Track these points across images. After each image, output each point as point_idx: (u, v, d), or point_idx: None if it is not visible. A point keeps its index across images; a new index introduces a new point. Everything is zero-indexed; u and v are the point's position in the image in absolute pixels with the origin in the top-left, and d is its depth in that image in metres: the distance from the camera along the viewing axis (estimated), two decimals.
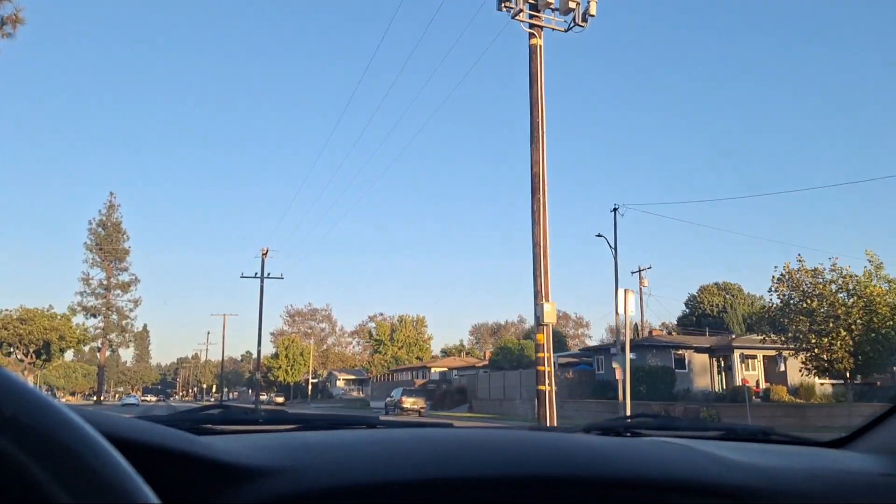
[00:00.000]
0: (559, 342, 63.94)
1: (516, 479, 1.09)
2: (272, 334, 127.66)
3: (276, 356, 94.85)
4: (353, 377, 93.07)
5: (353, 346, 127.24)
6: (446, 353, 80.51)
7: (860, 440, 1.66)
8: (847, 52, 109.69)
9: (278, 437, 1.25)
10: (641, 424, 1.70)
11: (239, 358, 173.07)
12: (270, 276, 45.76)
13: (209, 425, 1.39)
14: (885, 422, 1.64)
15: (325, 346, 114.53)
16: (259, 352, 47.36)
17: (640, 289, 52.27)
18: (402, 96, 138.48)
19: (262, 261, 45.53)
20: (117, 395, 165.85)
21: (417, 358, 78.20)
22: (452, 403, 48.97)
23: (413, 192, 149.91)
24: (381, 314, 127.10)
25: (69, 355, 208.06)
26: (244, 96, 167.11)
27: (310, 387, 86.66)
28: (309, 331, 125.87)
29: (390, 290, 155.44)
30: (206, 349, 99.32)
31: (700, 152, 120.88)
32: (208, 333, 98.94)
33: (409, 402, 44.63)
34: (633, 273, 53.05)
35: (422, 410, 44.06)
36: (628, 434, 1.60)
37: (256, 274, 45.04)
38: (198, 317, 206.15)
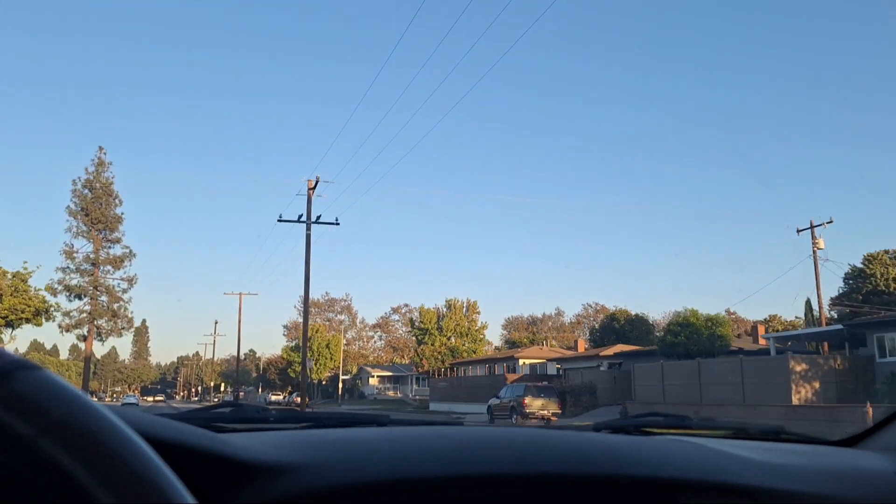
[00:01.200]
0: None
1: (531, 477, 1.08)
2: (285, 327, 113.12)
3: (297, 349, 79.37)
4: (387, 373, 77.77)
5: (375, 341, 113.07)
6: (514, 343, 64.94)
7: (871, 439, 1.64)
8: None
9: (292, 434, 1.24)
10: (652, 423, 1.65)
11: (242, 357, 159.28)
12: (320, 220, 30.46)
13: (220, 423, 1.37)
14: (895, 422, 1.63)
15: (344, 341, 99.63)
16: (305, 324, 32.18)
17: (815, 252, 37.42)
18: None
19: (309, 199, 30.33)
20: (115, 395, 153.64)
21: (471, 350, 62.79)
22: (584, 406, 33.54)
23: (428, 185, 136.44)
24: (406, 305, 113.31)
25: (64, 353, 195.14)
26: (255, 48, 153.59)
27: (341, 384, 71.34)
28: (326, 323, 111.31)
29: (411, 283, 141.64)
30: (214, 341, 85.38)
31: None
32: (216, 324, 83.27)
33: (535, 404, 30.10)
34: (799, 231, 38.05)
35: (553, 418, 29.09)
36: (639, 433, 1.56)
37: (301, 217, 29.81)
38: (199, 315, 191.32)
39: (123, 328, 61.54)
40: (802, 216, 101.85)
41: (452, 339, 64.59)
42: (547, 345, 61.97)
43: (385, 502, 0.98)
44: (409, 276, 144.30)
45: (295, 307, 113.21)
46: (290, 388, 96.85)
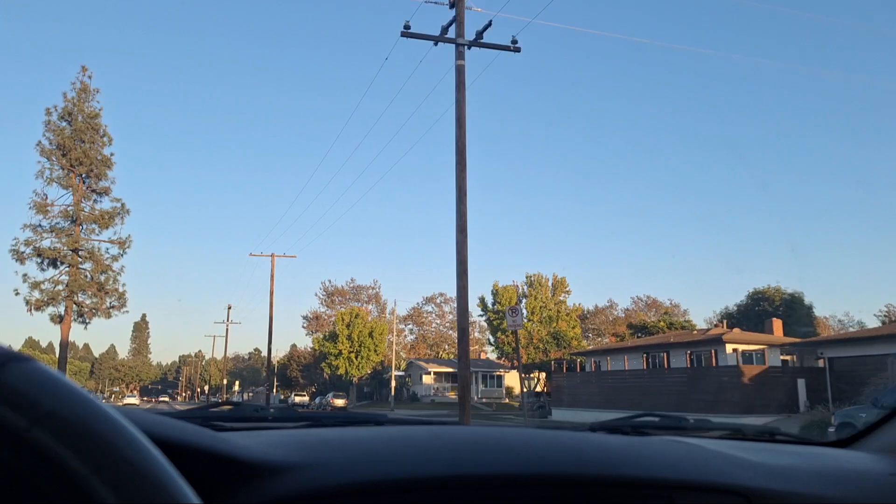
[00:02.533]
0: None
1: (528, 477, 1.08)
2: (305, 318, 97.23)
3: (332, 338, 63.25)
4: (446, 369, 61.54)
5: (406, 336, 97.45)
6: (674, 325, 47.74)
7: (865, 441, 1.64)
8: None
9: (291, 433, 1.24)
10: (647, 424, 1.64)
11: (246, 356, 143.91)
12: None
13: (219, 422, 1.35)
14: (890, 423, 1.61)
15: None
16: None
17: None
18: None
19: None
20: (113, 396, 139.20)
21: (561, 339, 46.64)
22: None
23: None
24: (442, 294, 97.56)
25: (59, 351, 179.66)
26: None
27: (393, 383, 55.14)
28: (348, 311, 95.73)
29: (435, 272, 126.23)
30: (227, 329, 69.99)
31: None
32: (228, 309, 67.32)
33: None
34: None
35: None
36: (635, 433, 1.54)
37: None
38: (198, 314, 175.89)
39: (113, 306, 45.33)
40: None
41: (542, 325, 48.59)
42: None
43: (383, 502, 0.97)
44: (440, 264, 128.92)
45: (316, 295, 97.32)
46: (313, 387, 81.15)
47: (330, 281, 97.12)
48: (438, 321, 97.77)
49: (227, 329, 67.77)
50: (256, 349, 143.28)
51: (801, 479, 1.29)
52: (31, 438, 0.57)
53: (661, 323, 47.04)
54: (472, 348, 75.08)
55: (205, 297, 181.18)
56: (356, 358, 60.95)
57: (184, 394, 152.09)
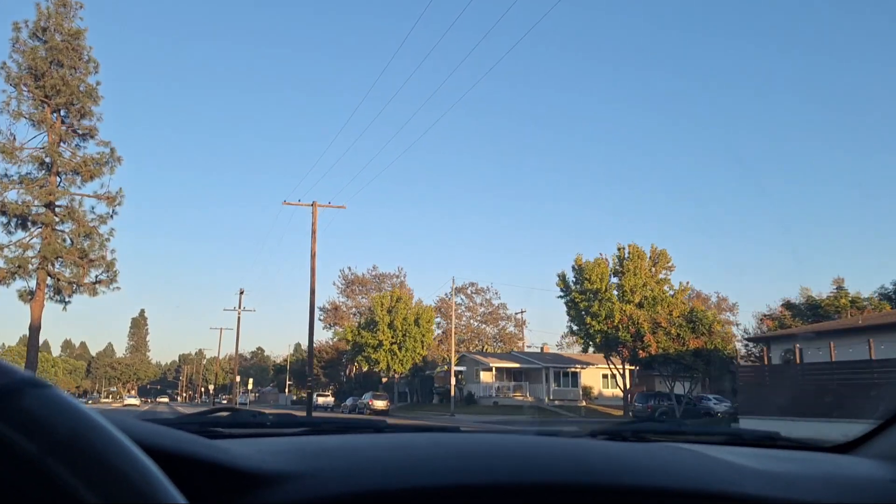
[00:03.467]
0: None
1: (528, 485, 1.06)
2: (322, 310, 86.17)
3: (370, 326, 52.14)
4: (511, 364, 50.46)
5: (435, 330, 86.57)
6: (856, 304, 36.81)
7: (866, 446, 1.62)
8: None
9: (290, 441, 1.22)
10: (647, 429, 1.64)
11: (248, 356, 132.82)
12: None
13: (217, 429, 1.34)
14: (891, 428, 1.59)
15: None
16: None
17: None
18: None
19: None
20: (111, 397, 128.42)
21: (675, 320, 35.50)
22: None
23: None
24: (472, 283, 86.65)
25: (56, 349, 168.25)
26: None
27: (453, 380, 44.08)
28: (369, 303, 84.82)
29: (461, 257, 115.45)
30: (238, 318, 59.54)
31: None
32: (241, 294, 56.18)
33: None
34: None
35: None
36: (635, 439, 1.54)
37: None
38: (200, 311, 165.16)
39: (99, 280, 34.36)
40: None
41: (644, 309, 37.57)
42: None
43: None
44: (468, 253, 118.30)
45: (334, 284, 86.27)
46: (334, 386, 70.26)
47: (350, 268, 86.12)
48: (468, 314, 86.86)
49: (238, 318, 56.84)
50: (259, 348, 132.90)
51: (801, 485, 1.26)
52: (43, 466, 0.56)
53: (843, 301, 36.30)
54: (517, 343, 64.25)
55: (206, 292, 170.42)
56: (399, 350, 49.88)
57: (184, 394, 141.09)
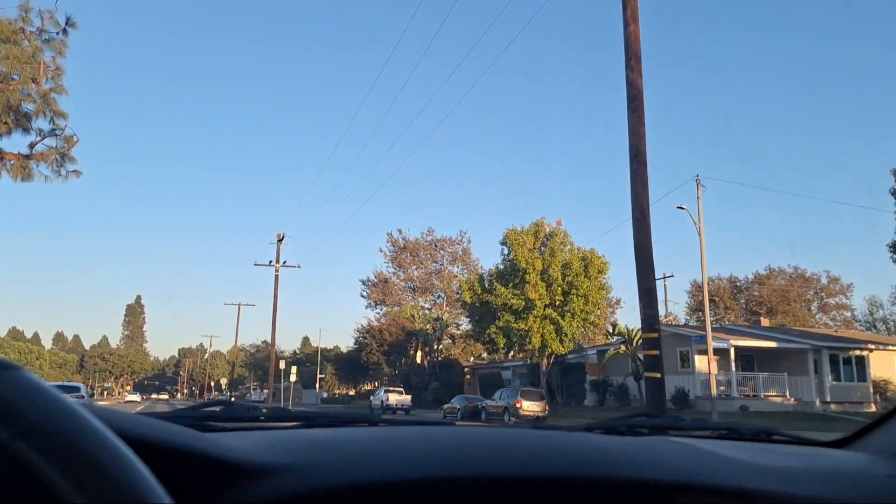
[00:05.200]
0: None
1: (524, 479, 1.05)
2: (364, 283, 66.57)
3: (506, 274, 31.69)
4: (758, 343, 30.44)
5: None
6: None
7: (862, 441, 1.60)
8: None
9: (282, 434, 1.20)
10: (643, 423, 1.60)
11: (252, 349, 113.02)
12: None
13: (211, 422, 1.31)
14: (887, 423, 1.57)
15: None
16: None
17: None
18: None
19: None
20: (105, 393, 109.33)
21: None
22: None
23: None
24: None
25: (47, 342, 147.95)
26: None
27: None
28: (424, 275, 65.35)
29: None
30: (277, 276, 40.76)
31: None
32: (280, 240, 35.76)
33: None
34: None
35: None
36: (631, 433, 1.50)
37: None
38: (199, 304, 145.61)
39: (61, 159, 14.52)
40: None
41: None
42: None
43: None
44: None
45: (381, 251, 66.37)
46: (392, 373, 50.71)
47: (400, 231, 66.22)
48: None
49: (276, 277, 37.16)
50: (264, 341, 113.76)
51: (798, 480, 1.25)
52: (14, 450, 0.55)
53: None
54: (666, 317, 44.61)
55: (205, 285, 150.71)
56: (563, 318, 29.67)
57: (184, 391, 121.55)
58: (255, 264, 38.87)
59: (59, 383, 37.08)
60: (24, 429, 0.55)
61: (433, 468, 1.01)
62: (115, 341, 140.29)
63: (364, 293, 65.78)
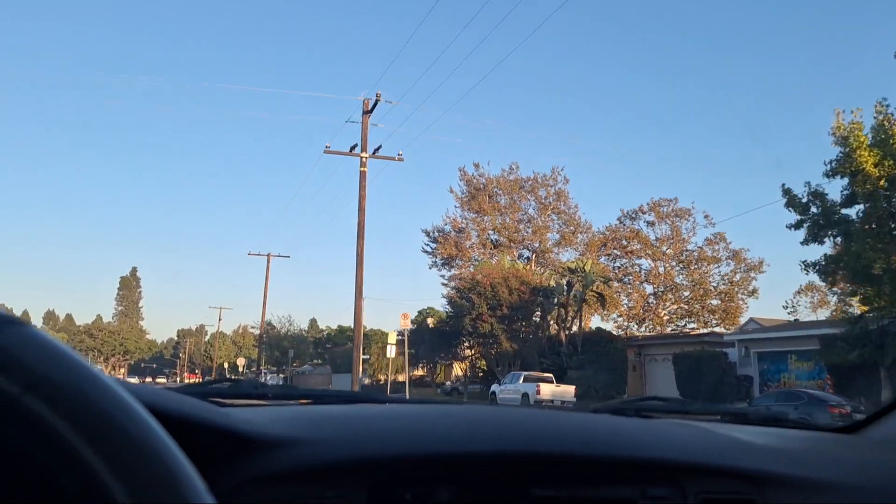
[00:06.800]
0: None
1: (536, 456, 1.04)
2: (428, 234, 49.58)
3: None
4: None
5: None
6: None
7: (872, 428, 1.57)
8: None
9: (291, 409, 1.20)
10: (651, 407, 1.62)
11: (255, 329, 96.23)
12: None
13: (218, 398, 1.29)
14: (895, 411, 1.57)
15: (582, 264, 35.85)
16: None
17: None
18: None
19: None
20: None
21: None
22: None
23: None
24: (660, 200, 50.65)
25: (37, 320, 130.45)
26: None
27: None
28: (511, 224, 48.52)
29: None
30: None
31: None
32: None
33: None
34: None
35: None
36: (639, 416, 1.49)
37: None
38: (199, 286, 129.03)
39: None
40: None
41: None
42: None
43: (389, 478, 0.94)
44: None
45: (451, 192, 49.07)
46: (473, 355, 34.00)
47: (477, 166, 49.07)
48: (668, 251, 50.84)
49: (362, 176, 19.44)
50: (269, 324, 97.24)
51: (807, 463, 1.24)
52: (23, 405, 0.54)
53: None
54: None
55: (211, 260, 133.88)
56: None
57: (185, 374, 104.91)
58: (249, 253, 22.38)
59: None
60: (34, 382, 0.54)
61: (441, 444, 1.00)
62: (108, 319, 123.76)
63: (429, 247, 48.76)
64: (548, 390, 23.78)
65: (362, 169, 21.90)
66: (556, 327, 32.86)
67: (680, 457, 1.11)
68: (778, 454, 1.23)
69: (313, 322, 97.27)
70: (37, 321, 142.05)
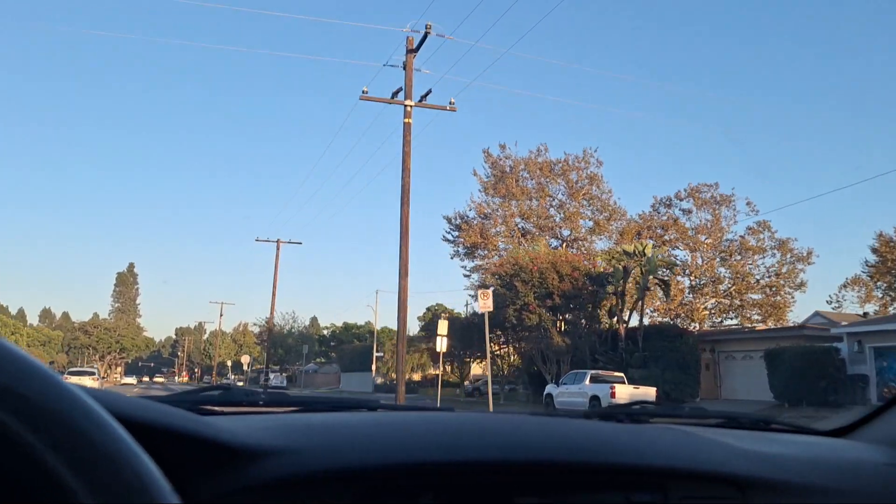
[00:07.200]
0: None
1: (519, 464, 1.04)
2: (450, 222, 45.69)
3: None
4: None
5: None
6: None
7: (861, 430, 1.57)
8: None
9: (279, 418, 1.19)
10: (641, 411, 1.59)
11: (255, 328, 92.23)
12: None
13: (209, 406, 1.30)
14: (887, 412, 1.56)
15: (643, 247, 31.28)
16: None
17: None
18: None
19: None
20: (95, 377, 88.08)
21: None
22: None
23: None
24: (701, 185, 46.39)
25: (33, 319, 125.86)
26: None
27: None
28: (544, 220, 44.58)
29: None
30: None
31: None
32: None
33: None
34: None
35: None
36: (629, 421, 1.48)
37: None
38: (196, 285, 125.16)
39: None
40: None
41: None
42: None
43: (373, 487, 0.94)
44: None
45: (475, 174, 45.24)
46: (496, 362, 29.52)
47: (503, 147, 44.98)
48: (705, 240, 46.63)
49: (407, 127, 15.11)
50: (288, 312, 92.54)
51: (795, 467, 1.23)
52: None
53: None
54: None
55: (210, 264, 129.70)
56: None
57: (184, 374, 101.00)
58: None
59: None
60: None
61: (429, 452, 1.00)
62: (105, 317, 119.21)
63: (451, 235, 44.57)
64: (625, 392, 19.68)
65: (406, 120, 17.82)
66: (608, 319, 28.67)
67: (664, 462, 1.11)
68: (763, 458, 1.22)
69: (314, 320, 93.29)
70: (33, 320, 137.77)
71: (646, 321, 29.40)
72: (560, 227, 43.71)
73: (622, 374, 22.01)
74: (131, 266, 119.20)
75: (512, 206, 43.28)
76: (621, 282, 26.54)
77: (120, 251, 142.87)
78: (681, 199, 46.57)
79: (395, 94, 18.14)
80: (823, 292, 61.16)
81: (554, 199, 44.03)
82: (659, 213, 47.19)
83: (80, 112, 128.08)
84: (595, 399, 19.93)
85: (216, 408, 1.27)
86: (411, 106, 17.89)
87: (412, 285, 19.75)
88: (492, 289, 20.05)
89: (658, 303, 38.41)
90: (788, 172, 71.88)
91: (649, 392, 20.22)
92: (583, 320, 27.65)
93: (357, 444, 0.99)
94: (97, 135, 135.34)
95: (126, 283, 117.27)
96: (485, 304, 16.94)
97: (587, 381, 21.25)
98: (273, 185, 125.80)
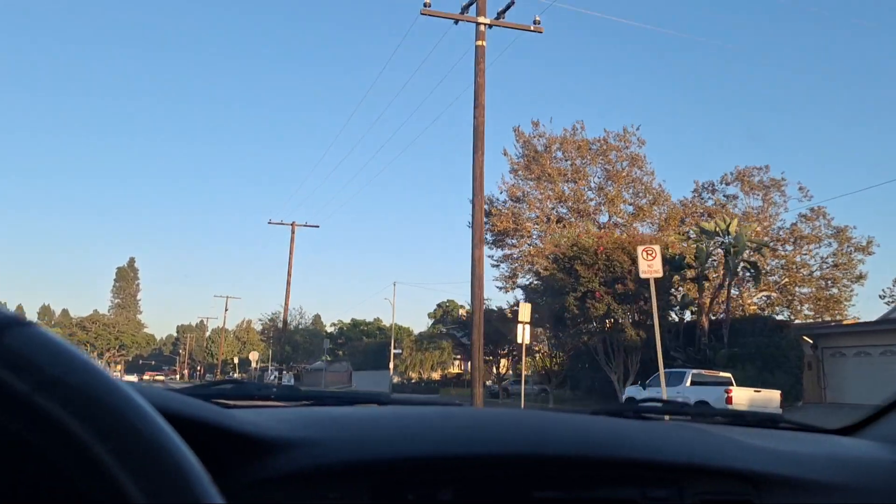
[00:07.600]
0: None
1: (535, 457, 1.04)
2: (493, 198, 41.45)
3: None
4: None
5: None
6: None
7: (869, 428, 1.58)
8: None
9: (296, 411, 1.20)
10: (650, 409, 1.58)
11: (259, 325, 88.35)
12: None
13: (222, 399, 1.29)
14: (894, 411, 1.55)
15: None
16: None
17: None
18: None
19: None
20: None
21: None
22: None
23: None
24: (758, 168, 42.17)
25: (32, 316, 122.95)
26: None
27: None
28: (582, 204, 40.44)
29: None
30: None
31: None
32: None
33: None
34: None
35: None
36: (637, 418, 1.48)
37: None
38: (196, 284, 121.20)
39: None
40: None
41: None
42: None
43: (390, 480, 0.95)
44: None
45: (505, 154, 40.86)
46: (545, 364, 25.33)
47: (536, 125, 40.95)
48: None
49: (477, 76, 10.81)
50: (275, 314, 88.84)
51: (806, 464, 1.24)
52: (33, 404, 0.54)
53: None
54: None
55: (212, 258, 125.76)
56: None
57: (185, 372, 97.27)
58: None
59: None
60: (43, 382, 0.54)
61: (443, 446, 1.01)
62: (105, 313, 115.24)
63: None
64: (744, 397, 15.66)
65: (479, 42, 13.89)
66: (678, 311, 24.57)
67: (679, 458, 1.11)
68: (776, 455, 1.22)
69: (317, 318, 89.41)
70: (32, 316, 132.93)
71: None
72: (597, 213, 39.68)
73: (729, 375, 17.96)
74: (132, 260, 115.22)
75: (546, 188, 39.23)
76: (704, 266, 22.41)
77: (120, 245, 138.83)
78: (727, 184, 42.55)
79: (465, 8, 14.18)
80: (874, 287, 57.09)
81: (591, 181, 40.01)
82: (702, 198, 43.20)
83: (78, 100, 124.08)
84: (702, 405, 15.90)
85: (229, 401, 1.24)
86: (486, 25, 13.92)
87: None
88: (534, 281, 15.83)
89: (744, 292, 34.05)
90: (842, 157, 67.74)
91: (773, 396, 16.23)
92: (669, 311, 23.38)
93: (378, 436, 1.00)
94: (95, 122, 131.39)
95: (126, 278, 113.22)
96: (650, 268, 12.80)
97: (688, 383, 17.28)
98: (284, 170, 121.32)
